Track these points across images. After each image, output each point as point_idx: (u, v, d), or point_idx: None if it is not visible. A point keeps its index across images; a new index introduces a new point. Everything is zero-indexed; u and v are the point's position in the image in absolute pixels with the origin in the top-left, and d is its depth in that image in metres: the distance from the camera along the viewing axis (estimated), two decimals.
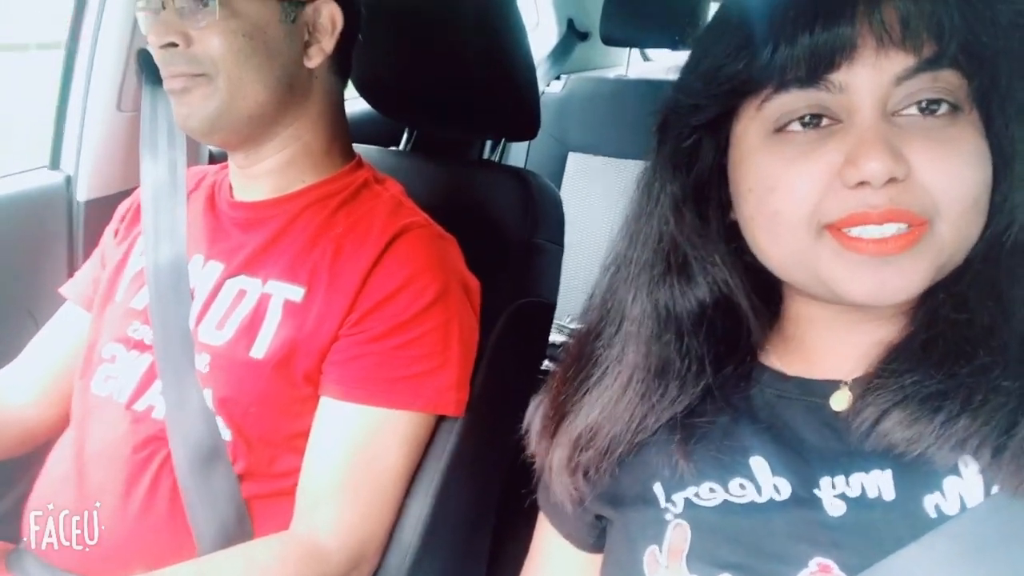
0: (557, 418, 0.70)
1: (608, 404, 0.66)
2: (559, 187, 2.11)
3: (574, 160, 2.15)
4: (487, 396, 1.00)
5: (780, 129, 0.58)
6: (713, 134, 0.63)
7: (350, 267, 0.93)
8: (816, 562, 0.57)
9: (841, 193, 0.55)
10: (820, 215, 0.56)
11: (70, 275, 1.18)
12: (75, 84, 1.31)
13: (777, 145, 0.58)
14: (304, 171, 1.01)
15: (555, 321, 1.23)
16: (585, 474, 0.68)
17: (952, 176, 0.54)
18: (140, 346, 0.99)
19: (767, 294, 0.67)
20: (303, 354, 0.92)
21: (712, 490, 0.62)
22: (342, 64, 1.03)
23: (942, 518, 0.54)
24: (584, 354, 0.70)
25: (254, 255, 0.98)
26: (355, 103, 1.33)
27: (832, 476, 0.58)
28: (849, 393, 0.61)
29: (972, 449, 0.53)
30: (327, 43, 0.98)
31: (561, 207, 1.24)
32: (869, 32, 0.53)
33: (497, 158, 1.46)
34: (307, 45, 0.97)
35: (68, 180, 1.33)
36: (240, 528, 0.91)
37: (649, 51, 2.79)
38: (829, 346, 0.64)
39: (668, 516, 0.64)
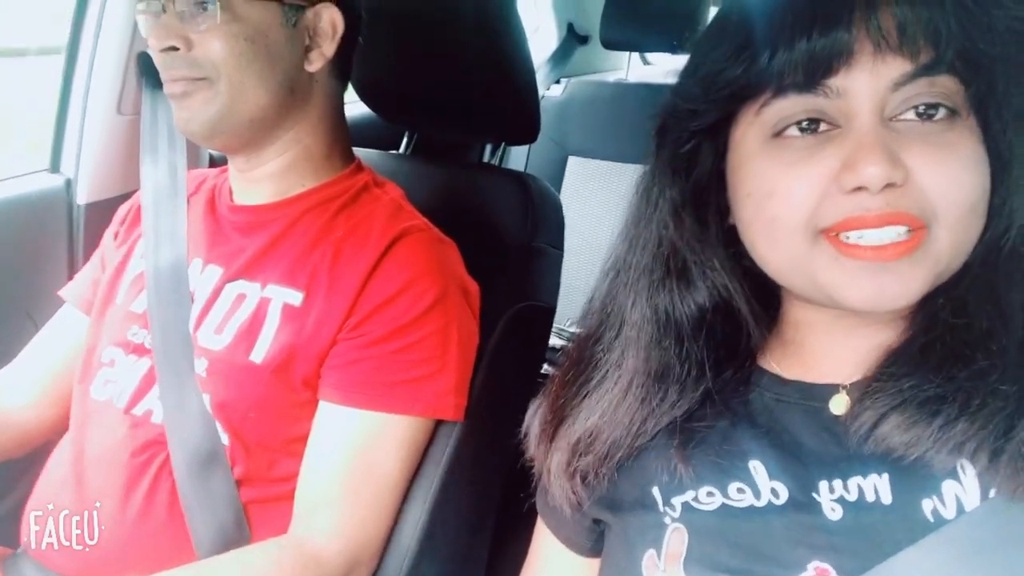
0: (556, 422, 0.70)
1: (608, 409, 0.66)
2: (559, 191, 2.11)
3: (574, 164, 2.15)
4: (486, 400, 1.00)
5: (778, 134, 0.58)
6: (712, 139, 0.63)
7: (349, 271, 0.93)
8: (814, 566, 0.57)
9: (838, 198, 0.55)
10: (817, 220, 0.56)
11: (70, 278, 1.18)
12: (75, 87, 1.31)
13: (775, 150, 0.58)
14: (304, 175, 1.01)
15: (555, 325, 1.23)
16: (584, 479, 0.68)
17: (950, 180, 0.54)
18: (139, 350, 0.99)
19: (766, 298, 0.67)
20: (302, 358, 0.92)
21: (710, 494, 0.62)
22: (343, 68, 1.03)
23: (939, 522, 0.54)
24: (583, 358, 0.71)
25: (254, 259, 0.98)
26: (355, 106, 1.33)
27: (830, 480, 0.58)
28: (847, 397, 0.61)
29: (969, 453, 0.53)
30: (328, 47, 0.98)
31: (561, 211, 1.24)
32: (866, 38, 0.53)
33: (497, 162, 1.46)
34: (308, 49, 0.97)
35: (68, 183, 1.33)
36: (238, 532, 0.91)
37: (649, 55, 2.79)
38: (828, 350, 0.64)
39: (666, 520, 0.64)
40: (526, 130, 1.22)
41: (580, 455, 0.67)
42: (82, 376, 1.02)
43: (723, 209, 0.65)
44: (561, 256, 1.23)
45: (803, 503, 0.59)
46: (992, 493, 0.53)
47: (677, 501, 0.64)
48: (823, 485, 0.59)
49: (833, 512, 0.58)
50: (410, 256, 0.94)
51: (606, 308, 0.70)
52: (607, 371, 0.68)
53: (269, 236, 0.99)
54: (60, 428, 1.05)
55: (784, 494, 0.60)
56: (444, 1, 1.17)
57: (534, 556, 0.79)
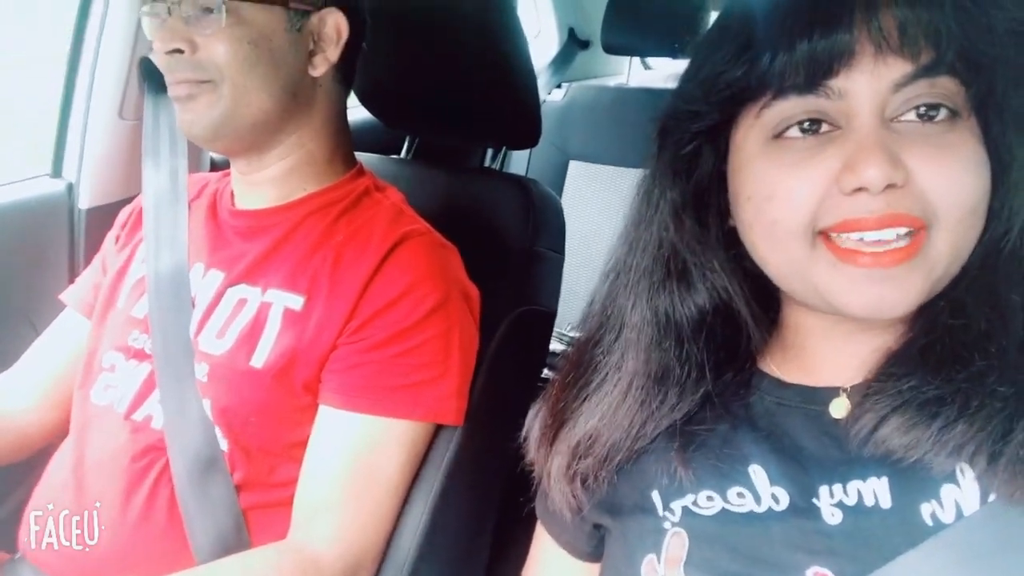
0: (556, 425, 0.70)
1: (607, 411, 0.66)
2: (560, 195, 2.11)
3: (575, 168, 2.15)
4: (487, 405, 1.00)
5: (779, 135, 0.58)
6: (712, 141, 0.63)
7: (350, 275, 0.93)
8: (813, 571, 0.56)
9: (839, 199, 0.55)
10: (817, 221, 0.56)
11: (71, 283, 1.18)
12: (78, 92, 1.32)
13: (776, 152, 0.58)
14: (306, 179, 1.01)
15: (555, 329, 1.23)
16: (584, 482, 0.68)
17: (951, 182, 0.54)
18: (140, 355, 0.99)
19: (766, 301, 0.67)
20: (303, 363, 0.92)
21: (710, 498, 0.62)
22: (346, 73, 1.03)
23: (938, 526, 0.54)
24: (584, 361, 0.70)
25: (255, 264, 0.98)
26: (356, 111, 1.34)
27: (830, 484, 0.58)
28: (848, 400, 0.60)
29: (968, 456, 0.53)
30: (332, 52, 0.98)
31: (562, 215, 1.24)
32: (867, 39, 0.53)
33: (498, 166, 1.46)
34: (312, 54, 0.97)
35: (70, 188, 1.33)
36: (238, 538, 0.91)
37: (650, 59, 2.80)
38: (828, 354, 0.64)
39: (666, 525, 0.63)
40: (527, 134, 1.22)
41: (580, 458, 0.67)
42: (82, 381, 1.02)
43: (724, 211, 0.65)
44: (562, 260, 1.22)
45: (803, 508, 0.59)
46: (991, 497, 0.53)
47: (677, 505, 0.63)
48: (823, 490, 0.58)
49: (833, 517, 0.57)
50: (411, 260, 0.94)
51: (606, 310, 0.70)
52: (607, 374, 0.68)
53: (270, 240, 0.98)
54: (60, 432, 1.05)
55: (784, 500, 0.60)
56: (445, 5, 1.17)
57: (534, 560, 0.79)
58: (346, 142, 1.06)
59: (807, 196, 0.56)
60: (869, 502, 0.57)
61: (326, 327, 0.92)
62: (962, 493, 0.54)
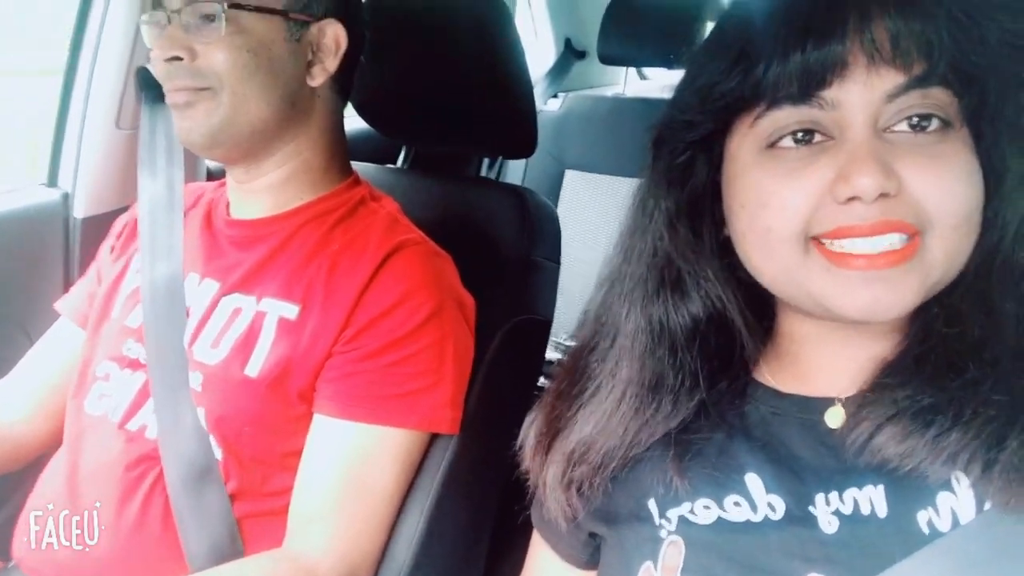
0: (551, 433, 0.70)
1: (602, 418, 0.66)
2: (556, 204, 2.11)
3: (571, 178, 2.15)
4: (482, 414, 1.00)
5: (772, 145, 0.58)
6: (707, 150, 0.64)
7: (345, 284, 0.93)
8: None
9: (832, 208, 0.55)
10: (810, 229, 0.56)
11: (66, 292, 1.18)
12: (74, 101, 1.32)
13: (770, 161, 0.58)
14: (302, 188, 1.01)
15: (551, 338, 1.23)
16: (579, 490, 0.68)
17: (944, 191, 0.54)
18: (134, 365, 0.99)
19: (761, 310, 0.67)
20: (297, 372, 0.91)
21: (707, 507, 0.62)
22: (344, 84, 1.04)
23: (935, 534, 0.54)
24: (578, 368, 0.71)
25: (250, 272, 0.98)
26: (353, 121, 1.34)
27: (827, 493, 0.58)
28: (843, 410, 0.61)
29: (963, 464, 0.53)
30: (330, 63, 0.98)
31: (558, 224, 1.24)
32: (860, 50, 0.54)
33: (494, 176, 1.46)
34: (310, 64, 0.97)
35: (65, 197, 1.33)
36: (232, 548, 0.90)
37: (645, 70, 2.81)
38: (823, 363, 0.64)
39: (663, 533, 0.63)
40: (523, 144, 1.23)
41: (574, 466, 0.67)
42: (76, 390, 1.02)
43: (718, 220, 0.65)
44: (558, 269, 1.23)
45: (799, 517, 0.59)
46: (987, 505, 0.53)
47: (673, 514, 0.63)
48: (819, 498, 0.58)
49: (829, 525, 0.58)
50: (406, 269, 0.94)
51: (601, 318, 0.70)
52: (601, 381, 0.68)
53: (266, 249, 0.99)
54: (54, 442, 1.04)
55: (781, 509, 0.60)
56: (441, 15, 1.17)
57: (530, 569, 0.79)
58: (343, 152, 1.06)
59: (801, 205, 0.56)
60: (865, 510, 0.57)
61: (321, 336, 0.92)
62: (958, 501, 0.54)
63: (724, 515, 0.61)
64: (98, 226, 1.26)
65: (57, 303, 1.14)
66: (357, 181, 1.07)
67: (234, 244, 1.02)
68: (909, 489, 0.55)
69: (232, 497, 0.91)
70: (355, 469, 0.90)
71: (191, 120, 0.93)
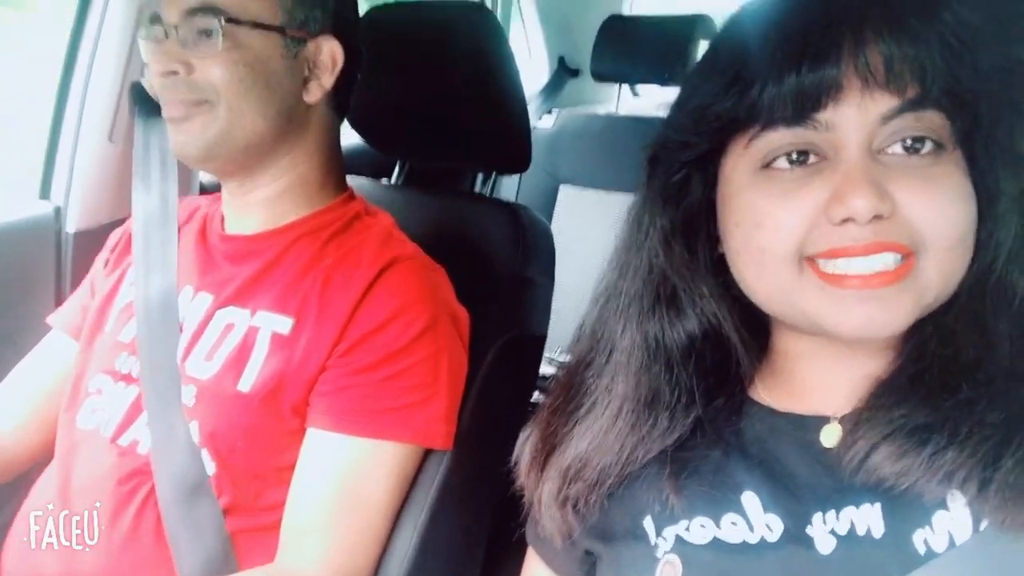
0: (546, 450, 0.70)
1: (598, 435, 0.66)
2: (550, 220, 2.12)
3: (565, 194, 2.16)
4: (476, 430, 1.00)
5: (767, 165, 0.58)
6: (702, 170, 0.64)
7: (339, 298, 0.93)
8: None
9: (826, 229, 0.55)
10: (804, 249, 0.56)
11: (57, 307, 1.17)
12: (68, 115, 1.32)
13: (764, 182, 0.58)
14: (298, 203, 1.01)
15: (545, 354, 1.23)
16: (575, 507, 0.67)
17: (937, 213, 0.54)
18: (127, 379, 0.98)
19: (756, 327, 0.68)
20: (291, 387, 0.91)
21: (703, 526, 0.62)
22: (340, 101, 1.04)
23: (931, 554, 0.54)
24: (574, 384, 0.70)
25: (244, 286, 0.98)
26: (348, 136, 1.34)
27: (824, 512, 0.58)
28: (839, 428, 0.61)
29: (959, 483, 0.53)
30: (327, 80, 0.99)
31: (552, 240, 1.24)
32: (854, 74, 0.54)
33: (488, 191, 1.47)
34: (307, 80, 0.98)
35: (57, 211, 1.33)
36: (225, 563, 0.90)
37: (638, 87, 2.83)
38: (818, 381, 0.64)
39: (659, 552, 0.63)
40: (518, 160, 1.23)
41: (570, 482, 0.67)
42: (68, 404, 1.01)
43: (713, 238, 0.65)
44: (552, 286, 1.23)
45: (797, 537, 0.59)
46: (983, 524, 0.53)
47: (670, 532, 0.63)
48: (816, 517, 0.58)
49: (826, 545, 0.57)
50: (400, 283, 0.94)
51: (596, 334, 0.70)
52: (597, 397, 0.68)
53: (260, 264, 0.98)
54: (46, 454, 1.04)
55: (778, 528, 0.60)
56: (436, 32, 1.18)
57: None
58: (338, 167, 1.06)
59: (795, 226, 0.56)
60: (862, 530, 0.57)
61: (314, 350, 0.92)
62: (954, 520, 0.54)
63: (720, 534, 0.61)
64: (90, 240, 1.26)
65: (50, 317, 1.14)
66: (352, 196, 1.07)
67: (228, 258, 1.02)
68: (905, 508, 0.55)
69: (225, 512, 0.91)
70: (349, 482, 0.90)
71: (187, 133, 0.93)
